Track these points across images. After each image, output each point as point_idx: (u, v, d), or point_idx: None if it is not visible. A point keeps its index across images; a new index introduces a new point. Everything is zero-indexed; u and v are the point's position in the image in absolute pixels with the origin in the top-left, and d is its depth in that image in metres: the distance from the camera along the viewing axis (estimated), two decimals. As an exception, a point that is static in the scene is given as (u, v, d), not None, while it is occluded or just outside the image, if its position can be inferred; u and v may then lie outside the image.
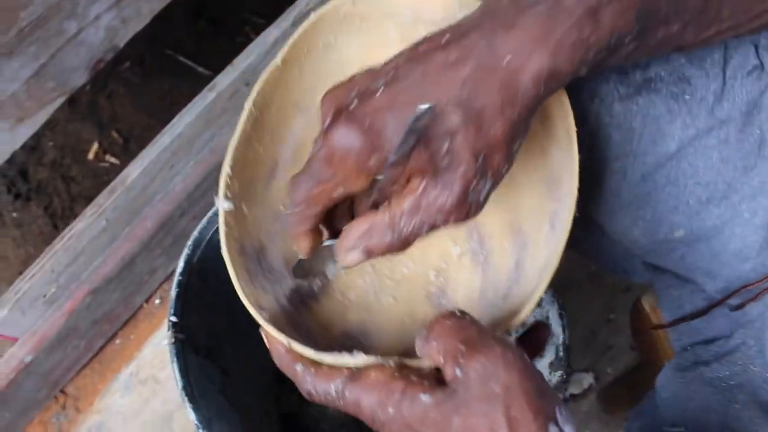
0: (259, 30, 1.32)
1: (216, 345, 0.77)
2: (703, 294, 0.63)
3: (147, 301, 1.18)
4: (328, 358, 0.45)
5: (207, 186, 1.10)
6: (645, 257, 0.67)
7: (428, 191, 0.44)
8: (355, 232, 0.46)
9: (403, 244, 0.46)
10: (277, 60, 0.55)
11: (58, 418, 1.14)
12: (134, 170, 0.99)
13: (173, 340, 0.65)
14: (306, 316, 0.58)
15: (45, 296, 1.01)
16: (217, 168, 1.08)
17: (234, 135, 0.54)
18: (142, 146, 1.02)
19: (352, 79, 0.46)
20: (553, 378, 0.64)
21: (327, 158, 0.45)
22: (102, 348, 1.17)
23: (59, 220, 1.26)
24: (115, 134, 1.31)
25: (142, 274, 1.13)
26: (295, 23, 1.04)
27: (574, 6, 0.42)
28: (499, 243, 0.60)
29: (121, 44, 0.80)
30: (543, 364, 0.67)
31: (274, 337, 0.48)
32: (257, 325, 0.49)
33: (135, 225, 1.05)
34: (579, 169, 0.50)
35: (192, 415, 0.63)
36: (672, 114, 0.56)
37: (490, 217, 0.59)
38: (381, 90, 0.44)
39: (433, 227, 0.45)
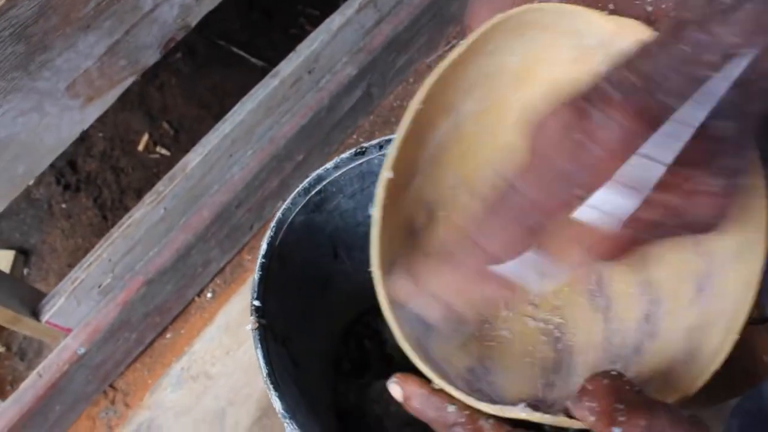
0: (313, 21, 1.30)
1: (288, 333, 0.74)
2: None
3: (199, 294, 1.16)
4: (492, 409, 0.42)
5: (264, 176, 1.07)
6: None
7: (700, 189, 0.36)
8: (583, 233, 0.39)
9: (635, 245, 0.39)
10: (453, 57, 0.51)
11: (107, 413, 1.12)
12: (194, 158, 0.97)
13: (257, 326, 0.62)
14: (430, 347, 0.53)
15: (100, 286, 0.99)
16: (276, 158, 1.06)
17: (397, 137, 0.49)
18: (192, 138, 1.00)
19: None
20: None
21: (601, 149, 0.37)
22: (152, 342, 1.14)
23: (108, 211, 1.24)
24: (165, 125, 1.29)
25: (196, 266, 1.11)
26: (360, 9, 1.02)
27: None
28: (623, 287, 0.56)
29: (193, 23, 0.78)
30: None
31: (421, 381, 0.44)
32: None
33: (192, 215, 1.03)
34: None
35: (278, 404, 0.60)
36: None
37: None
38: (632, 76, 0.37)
39: (678, 233, 0.38)
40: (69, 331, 1.00)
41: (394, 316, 0.46)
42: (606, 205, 0.37)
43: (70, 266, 1.00)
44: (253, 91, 0.98)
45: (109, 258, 0.97)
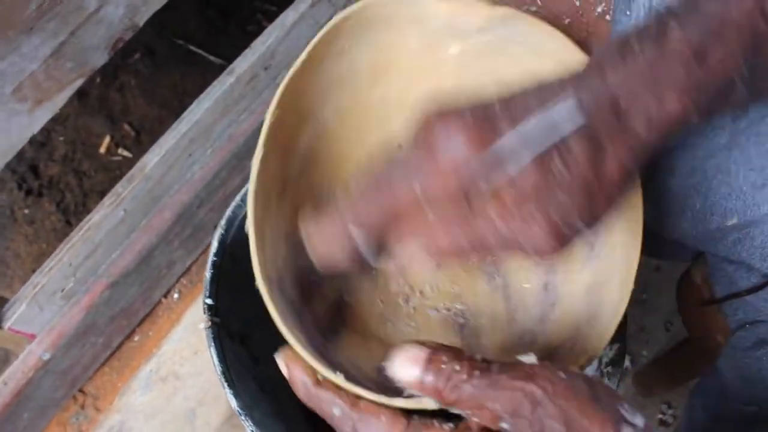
0: (271, 17, 1.30)
1: (246, 330, 0.74)
2: (759, 271, 0.60)
3: (165, 296, 1.15)
4: (374, 397, 0.42)
5: (225, 175, 1.07)
6: (695, 247, 0.65)
7: (531, 212, 0.39)
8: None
9: (460, 254, 0.41)
10: (300, 61, 0.51)
11: (78, 418, 1.11)
12: (152, 158, 0.96)
13: (209, 324, 0.62)
14: (332, 353, 0.54)
15: (63, 290, 0.99)
16: (236, 156, 1.06)
17: (257, 151, 0.50)
18: (154, 139, 1.00)
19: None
20: (610, 353, 0.61)
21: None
22: (120, 345, 1.14)
23: (72, 215, 1.23)
24: (126, 127, 1.29)
25: (160, 268, 1.10)
26: (314, 4, 1.01)
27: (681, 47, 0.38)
28: (516, 262, 0.57)
29: (141, 22, 0.78)
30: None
31: (302, 370, 0.45)
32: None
33: (153, 216, 1.02)
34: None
35: (233, 402, 0.60)
36: None
37: None
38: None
39: (508, 251, 0.40)
40: (33, 337, 1.00)
41: (288, 329, 0.46)
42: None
43: (35, 272, 0.99)
44: (209, 89, 0.98)
45: (70, 262, 0.97)
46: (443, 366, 0.37)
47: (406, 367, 0.38)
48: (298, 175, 0.55)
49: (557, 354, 0.48)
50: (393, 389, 0.40)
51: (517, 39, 0.50)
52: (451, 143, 0.39)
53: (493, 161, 0.38)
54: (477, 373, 0.37)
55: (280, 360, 0.47)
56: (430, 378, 0.37)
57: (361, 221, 0.42)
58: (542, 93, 0.39)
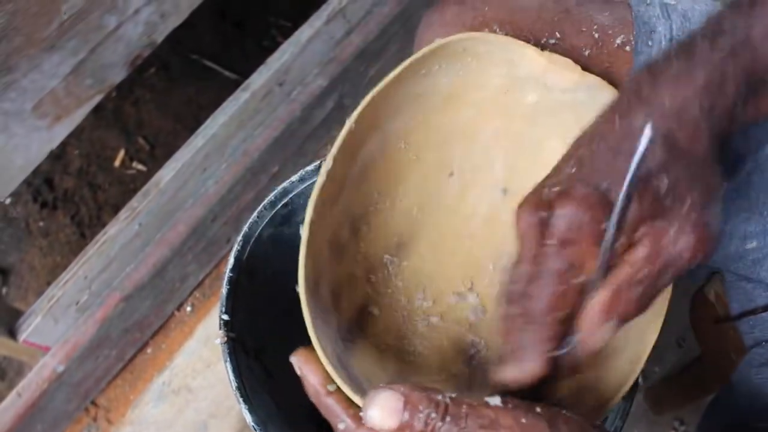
0: (285, 33, 1.31)
1: (261, 345, 0.74)
2: None
3: (178, 309, 1.16)
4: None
5: (239, 190, 1.08)
6: (714, 266, 0.65)
7: (665, 233, 0.40)
8: (598, 306, 0.42)
9: (650, 298, 0.42)
10: (387, 80, 0.52)
11: (90, 430, 1.12)
12: (167, 173, 0.97)
13: (225, 339, 0.62)
14: (349, 362, 0.54)
15: (77, 303, 0.99)
16: (250, 170, 1.07)
17: (328, 160, 0.50)
18: (168, 152, 1.00)
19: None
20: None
21: (560, 243, 0.42)
22: (133, 357, 1.14)
23: (86, 228, 1.24)
24: (141, 141, 1.29)
25: (174, 281, 1.11)
26: (329, 20, 1.02)
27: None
28: None
29: (159, 40, 0.79)
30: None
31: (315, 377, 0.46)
32: (304, 331, 0.47)
33: (167, 229, 1.03)
34: None
35: (249, 417, 0.60)
36: (745, 133, 0.55)
37: None
38: (573, 169, 0.43)
39: (678, 271, 0.41)
40: (47, 349, 1.00)
41: (316, 333, 0.46)
42: None
43: (50, 284, 1.00)
44: (224, 104, 0.99)
45: (85, 275, 0.97)
46: (419, 414, 0.38)
47: (383, 417, 0.38)
48: (355, 183, 0.56)
49: (562, 401, 0.49)
50: None
51: (593, 105, 0.52)
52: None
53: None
54: (449, 418, 0.38)
55: (296, 361, 0.47)
56: (407, 427, 0.38)
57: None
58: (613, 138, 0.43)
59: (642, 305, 0.41)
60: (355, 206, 0.56)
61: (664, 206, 0.41)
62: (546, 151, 0.56)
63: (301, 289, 0.48)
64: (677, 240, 0.40)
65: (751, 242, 0.56)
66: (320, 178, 0.50)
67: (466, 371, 0.58)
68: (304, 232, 0.49)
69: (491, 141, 0.59)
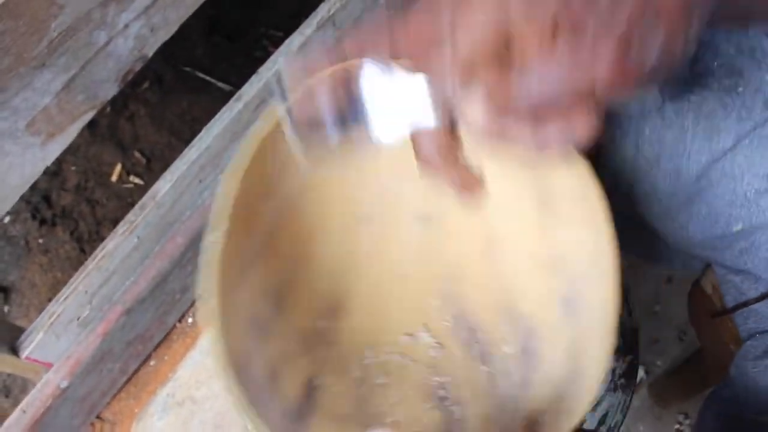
0: (277, 43, 1.31)
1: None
2: (766, 281, 0.61)
3: (180, 320, 1.16)
4: None
5: (236, 199, 1.08)
6: (702, 255, 0.65)
7: (579, 43, 0.32)
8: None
9: (529, 107, 0.34)
10: (253, 138, 0.48)
11: (96, 445, 1.12)
12: (164, 185, 0.98)
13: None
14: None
15: (79, 319, 1.00)
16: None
17: (217, 224, 0.46)
18: (165, 165, 1.01)
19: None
20: (623, 365, 0.61)
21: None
22: (136, 370, 1.14)
23: (86, 243, 1.25)
24: (137, 155, 1.30)
25: (174, 293, 1.11)
26: (319, 28, 1.03)
27: None
28: (493, 328, 0.55)
29: (150, 53, 0.79)
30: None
31: None
32: None
33: (166, 242, 1.04)
34: (609, 247, 0.44)
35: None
36: (726, 109, 0.54)
37: (475, 301, 0.54)
38: None
39: (576, 93, 0.33)
40: (50, 365, 1.01)
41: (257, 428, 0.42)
42: None
43: (50, 300, 1.00)
44: (218, 116, 0.99)
45: (85, 290, 0.98)
46: None
47: None
48: (260, 254, 0.52)
49: (542, 419, 0.47)
50: None
51: None
52: None
53: None
54: None
55: None
56: None
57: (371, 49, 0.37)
58: None
59: (516, 102, 0.34)
60: (269, 280, 0.52)
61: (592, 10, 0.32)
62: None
63: (223, 381, 0.42)
64: (590, 54, 0.32)
65: (737, 225, 0.56)
66: (213, 248, 0.46)
67: (439, 415, 0.55)
68: (213, 321, 0.44)
69: (395, 169, 0.54)
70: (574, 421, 0.43)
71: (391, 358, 0.58)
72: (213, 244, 0.46)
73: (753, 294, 0.63)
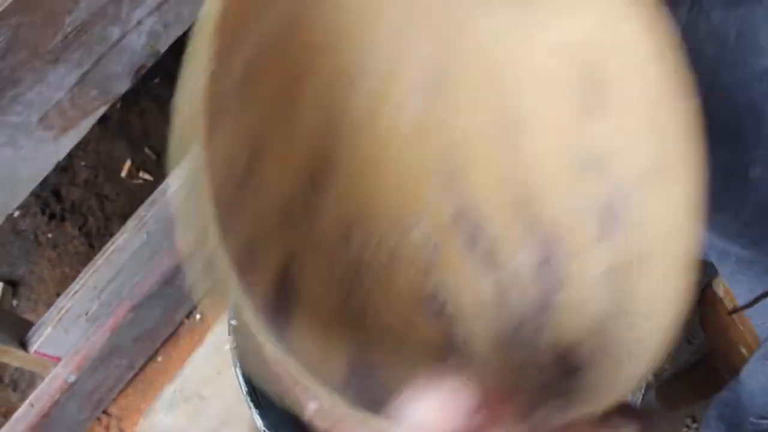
0: (287, 40, 1.32)
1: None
2: None
3: (188, 317, 1.17)
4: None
5: (245, 196, 1.08)
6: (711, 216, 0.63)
7: None
8: None
9: None
10: None
11: (102, 440, 1.12)
12: (174, 181, 0.98)
13: (235, 345, 0.63)
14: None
15: (87, 314, 1.00)
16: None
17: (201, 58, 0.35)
18: (175, 161, 1.01)
19: None
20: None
21: None
22: (144, 366, 1.15)
23: (95, 239, 1.25)
24: (147, 151, 1.30)
25: (182, 289, 1.11)
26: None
27: None
28: (505, 228, 0.43)
29: (163, 49, 0.79)
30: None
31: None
32: None
33: (175, 238, 1.04)
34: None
35: (259, 422, 0.61)
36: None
37: (485, 193, 0.43)
38: None
39: None
40: (58, 360, 1.01)
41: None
42: None
43: (59, 295, 1.01)
44: (228, 112, 1.00)
45: (94, 285, 0.98)
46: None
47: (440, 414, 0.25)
48: (237, 94, 0.37)
49: (579, 350, 0.36)
50: (368, 399, 0.29)
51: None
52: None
53: None
54: None
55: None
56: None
57: None
58: None
59: None
60: (245, 129, 0.38)
61: None
62: (498, 46, 0.39)
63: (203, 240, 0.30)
64: None
65: (755, 169, 0.53)
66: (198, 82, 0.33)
67: (439, 329, 0.43)
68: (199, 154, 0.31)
69: (405, 26, 0.41)
70: (636, 370, 0.30)
71: (378, 257, 0.45)
72: (197, 71, 0.33)
73: (762, 289, 0.62)
